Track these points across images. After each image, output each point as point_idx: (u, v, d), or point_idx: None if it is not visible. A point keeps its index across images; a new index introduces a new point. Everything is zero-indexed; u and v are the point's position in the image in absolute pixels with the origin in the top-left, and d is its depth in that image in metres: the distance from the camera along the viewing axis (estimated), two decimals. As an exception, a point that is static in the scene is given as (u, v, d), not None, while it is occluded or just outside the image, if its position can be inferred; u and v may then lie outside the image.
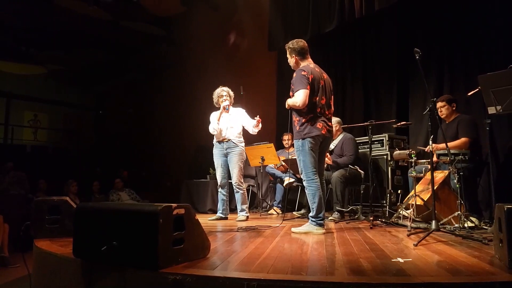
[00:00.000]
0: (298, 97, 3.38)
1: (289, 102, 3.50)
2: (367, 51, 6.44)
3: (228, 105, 4.89)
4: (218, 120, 4.86)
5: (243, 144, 4.93)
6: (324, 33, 6.54)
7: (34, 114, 12.44)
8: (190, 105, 9.28)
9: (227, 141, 4.84)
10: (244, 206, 4.83)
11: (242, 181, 4.86)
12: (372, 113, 6.16)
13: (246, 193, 4.92)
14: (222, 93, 4.93)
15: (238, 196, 4.85)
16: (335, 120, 4.86)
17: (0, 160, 7.87)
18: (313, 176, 3.43)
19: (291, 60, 3.67)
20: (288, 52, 3.67)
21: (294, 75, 3.50)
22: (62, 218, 3.05)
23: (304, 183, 3.48)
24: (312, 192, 3.41)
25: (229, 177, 4.92)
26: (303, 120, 3.45)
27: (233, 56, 8.59)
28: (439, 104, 4.24)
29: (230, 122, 4.88)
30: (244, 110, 5.02)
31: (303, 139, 3.44)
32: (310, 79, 3.42)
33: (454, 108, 4.27)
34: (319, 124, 3.45)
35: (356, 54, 6.58)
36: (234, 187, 4.83)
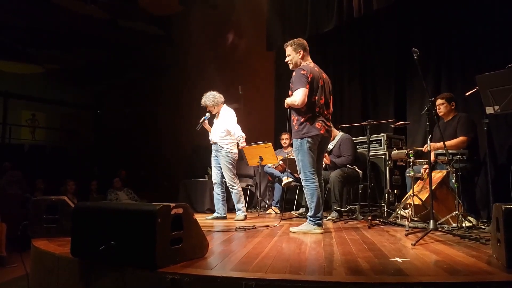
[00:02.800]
0: (297, 96, 3.37)
1: (288, 101, 3.48)
2: (365, 51, 6.45)
3: (204, 120, 4.99)
4: (209, 131, 5.03)
5: (231, 145, 4.88)
6: (322, 33, 6.54)
7: (32, 114, 12.41)
8: (188, 104, 9.26)
9: (214, 144, 4.92)
10: (240, 206, 4.83)
11: (236, 181, 4.86)
12: (370, 113, 6.17)
13: (241, 192, 4.91)
14: (204, 104, 5.00)
15: (233, 196, 4.89)
16: None
17: (-2, 159, 7.85)
18: (312, 175, 3.43)
19: (296, 56, 3.59)
20: (292, 49, 3.59)
21: (294, 73, 3.49)
22: (60, 217, 3.05)
23: (303, 183, 3.48)
24: (310, 192, 3.41)
25: (223, 177, 4.97)
26: (302, 120, 3.44)
27: (231, 56, 8.58)
28: (438, 102, 4.24)
29: (216, 125, 4.98)
30: (231, 112, 4.97)
31: (301, 138, 3.43)
32: (309, 78, 3.41)
33: (453, 107, 4.25)
34: (318, 124, 3.44)
35: (355, 53, 6.58)
36: (228, 187, 4.88)
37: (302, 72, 3.42)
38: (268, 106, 7.85)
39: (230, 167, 4.84)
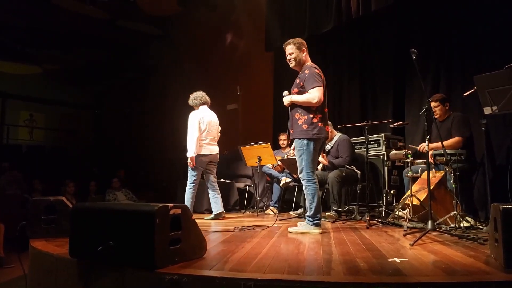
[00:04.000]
0: (316, 94, 3.33)
1: (300, 99, 3.41)
2: (364, 51, 6.45)
3: None
4: None
5: (193, 149, 4.82)
6: (321, 33, 6.55)
7: (29, 114, 12.40)
8: (187, 104, 9.28)
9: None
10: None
11: (191, 181, 4.86)
12: (369, 113, 6.17)
13: (189, 193, 4.85)
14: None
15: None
16: None
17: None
18: (313, 176, 3.43)
19: (300, 54, 3.55)
20: (296, 47, 3.55)
21: (307, 71, 3.45)
22: (58, 218, 3.05)
23: (304, 183, 3.46)
24: (312, 192, 3.41)
25: (205, 177, 5.10)
26: (314, 120, 3.40)
27: (230, 56, 8.59)
28: (432, 104, 4.24)
29: None
30: (193, 117, 4.93)
31: (310, 139, 3.38)
32: (322, 77, 3.43)
33: (447, 107, 4.28)
34: (326, 127, 3.49)
35: (354, 54, 6.59)
36: None
37: (317, 71, 3.43)
38: (266, 106, 7.85)
39: (189, 168, 4.87)
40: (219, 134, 5.18)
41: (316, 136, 3.39)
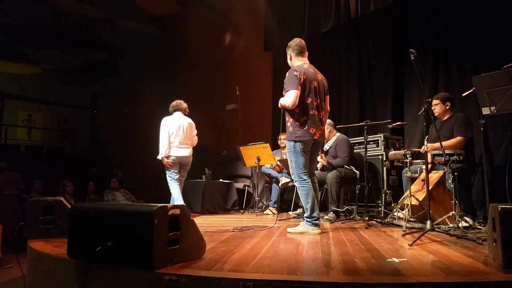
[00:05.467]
0: (288, 98, 3.36)
1: (281, 101, 3.49)
2: (362, 51, 6.46)
3: None
4: None
5: (163, 152, 5.04)
6: (320, 33, 6.55)
7: (28, 114, 12.37)
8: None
9: None
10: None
11: (169, 180, 5.17)
12: (368, 114, 6.18)
13: (173, 188, 5.15)
14: None
15: None
16: (327, 122, 4.85)
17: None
18: (305, 176, 3.43)
19: (288, 59, 3.66)
20: (288, 52, 3.67)
21: (287, 74, 3.47)
22: (56, 218, 3.04)
23: (296, 184, 3.48)
24: (305, 193, 3.42)
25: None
26: (297, 123, 3.43)
27: (229, 56, 8.58)
28: (434, 102, 4.23)
29: None
30: (162, 123, 5.18)
31: (294, 140, 3.43)
32: (302, 79, 3.39)
33: (448, 107, 4.24)
34: (312, 130, 3.43)
35: (352, 54, 6.59)
36: None
37: (295, 73, 3.41)
38: (265, 106, 7.84)
39: (165, 169, 5.11)
40: (195, 138, 5.31)
41: (299, 139, 3.41)
